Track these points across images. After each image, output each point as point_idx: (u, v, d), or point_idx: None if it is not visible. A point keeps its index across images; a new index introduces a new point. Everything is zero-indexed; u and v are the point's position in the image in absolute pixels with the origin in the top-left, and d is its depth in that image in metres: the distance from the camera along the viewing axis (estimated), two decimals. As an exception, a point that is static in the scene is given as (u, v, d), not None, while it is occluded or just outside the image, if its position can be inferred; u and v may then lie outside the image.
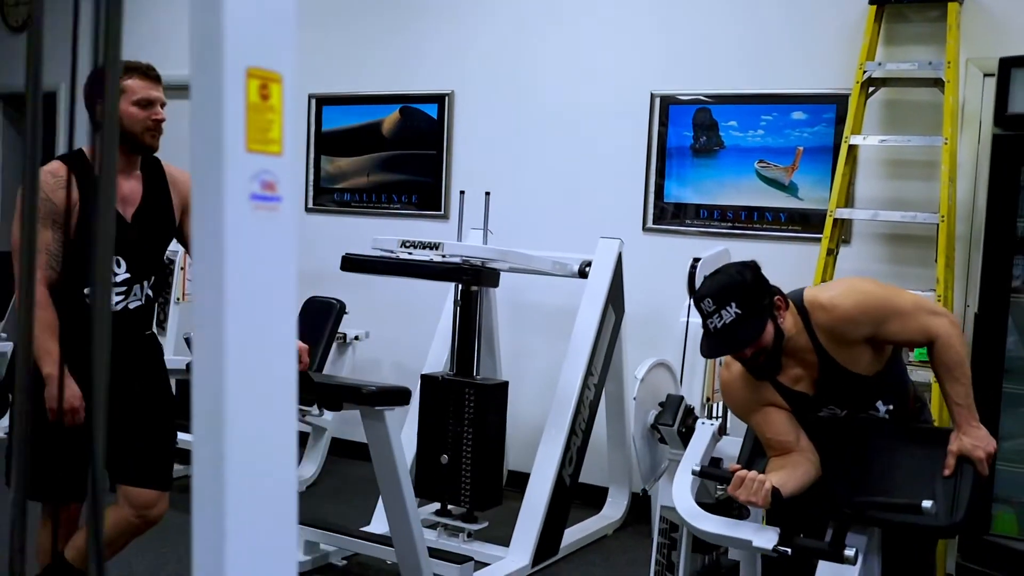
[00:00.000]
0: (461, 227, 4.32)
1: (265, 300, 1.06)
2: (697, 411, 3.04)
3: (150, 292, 3.04)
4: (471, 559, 3.89)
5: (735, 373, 2.74)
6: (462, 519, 4.34)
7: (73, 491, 2.98)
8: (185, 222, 3.10)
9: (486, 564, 4.11)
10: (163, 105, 2.99)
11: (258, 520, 1.04)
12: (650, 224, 5.02)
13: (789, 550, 2.41)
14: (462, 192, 4.55)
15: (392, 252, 3.98)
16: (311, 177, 5.96)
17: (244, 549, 1.02)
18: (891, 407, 2.74)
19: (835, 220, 4.30)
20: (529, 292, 5.24)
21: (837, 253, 4.40)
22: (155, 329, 4.86)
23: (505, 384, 4.26)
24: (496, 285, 4.09)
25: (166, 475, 3.07)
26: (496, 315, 4.91)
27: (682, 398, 3.00)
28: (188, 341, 3.55)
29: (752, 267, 2.60)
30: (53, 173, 2.86)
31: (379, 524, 4.47)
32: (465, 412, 4.15)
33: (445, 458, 4.19)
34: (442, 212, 5.54)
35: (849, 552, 2.38)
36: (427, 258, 3.91)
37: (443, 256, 3.91)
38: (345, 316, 5.21)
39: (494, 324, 4.89)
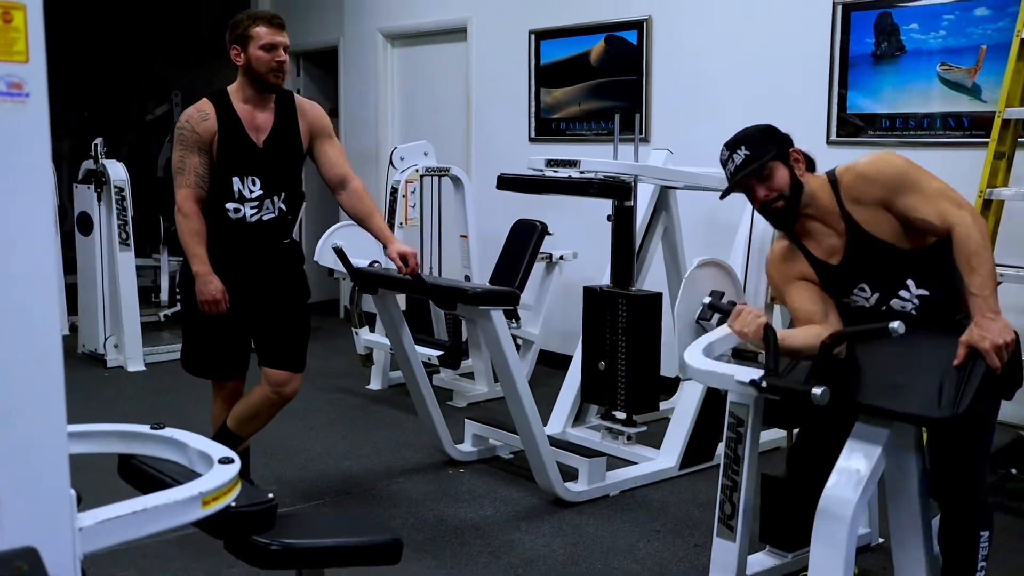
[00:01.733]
0: (637, 147, 4.51)
1: (14, 184, 1.43)
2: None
3: (283, 206, 3.57)
4: (603, 455, 4.17)
5: (776, 249, 2.90)
6: (622, 423, 4.61)
7: (228, 370, 3.65)
8: (314, 146, 3.64)
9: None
10: (286, 49, 3.50)
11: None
12: (834, 137, 4.92)
13: (765, 383, 2.52)
14: (617, 113, 4.73)
15: (542, 171, 4.28)
16: (533, 108, 6.35)
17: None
18: (925, 292, 2.70)
19: (1005, 121, 4.04)
20: (723, 211, 5.31)
21: (1011, 158, 4.12)
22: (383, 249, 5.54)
23: (658, 296, 4.43)
24: (628, 198, 4.27)
25: (298, 359, 3.64)
26: (679, 231, 5.03)
27: (723, 294, 3.09)
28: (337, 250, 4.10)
29: (766, 125, 2.81)
30: (199, 108, 3.50)
31: (555, 425, 4.85)
32: (619, 322, 4.39)
33: (602, 365, 4.47)
34: (643, 135, 5.72)
35: (816, 390, 2.43)
36: (566, 175, 4.17)
37: (581, 173, 4.16)
38: (551, 237, 5.59)
39: (678, 240, 5.02)
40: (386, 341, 5.51)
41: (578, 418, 4.92)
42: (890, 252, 2.69)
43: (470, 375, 5.79)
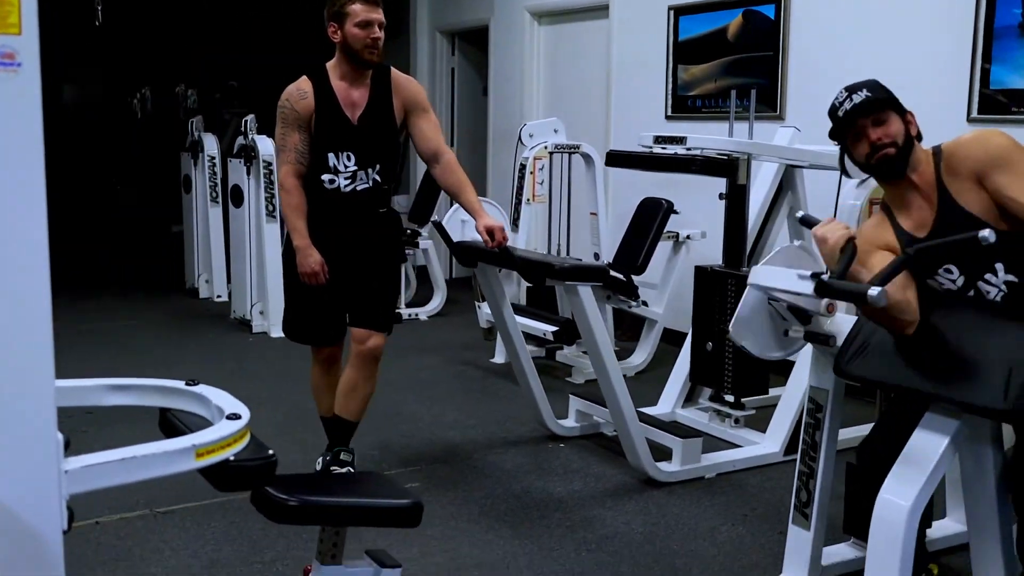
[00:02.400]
0: (752, 124, 4.37)
1: (6, 149, 1.53)
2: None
3: (377, 177, 3.66)
4: (700, 435, 4.09)
5: (870, 220, 2.81)
6: (730, 406, 4.51)
7: (325, 336, 3.78)
8: (409, 120, 3.71)
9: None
10: (381, 26, 3.58)
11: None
12: (975, 114, 4.62)
13: (825, 278, 2.45)
14: (733, 90, 4.59)
15: (650, 148, 4.22)
16: (669, 86, 6.25)
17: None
18: (1014, 279, 2.51)
19: None
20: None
21: None
22: (510, 225, 5.61)
23: (770, 277, 4.29)
24: (732, 175, 4.15)
25: (379, 319, 3.74)
26: (806, 211, 4.85)
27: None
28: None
29: None
30: (298, 87, 3.64)
31: (665, 405, 4.79)
32: (728, 302, 4.28)
33: (709, 345, 4.37)
34: (777, 113, 5.54)
35: (873, 291, 2.31)
36: (672, 152, 4.10)
37: (687, 150, 4.07)
38: (680, 216, 5.50)
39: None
40: (524, 320, 5.58)
41: (690, 399, 4.84)
42: (980, 229, 2.51)
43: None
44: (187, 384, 2.28)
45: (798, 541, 3.12)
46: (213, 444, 1.89)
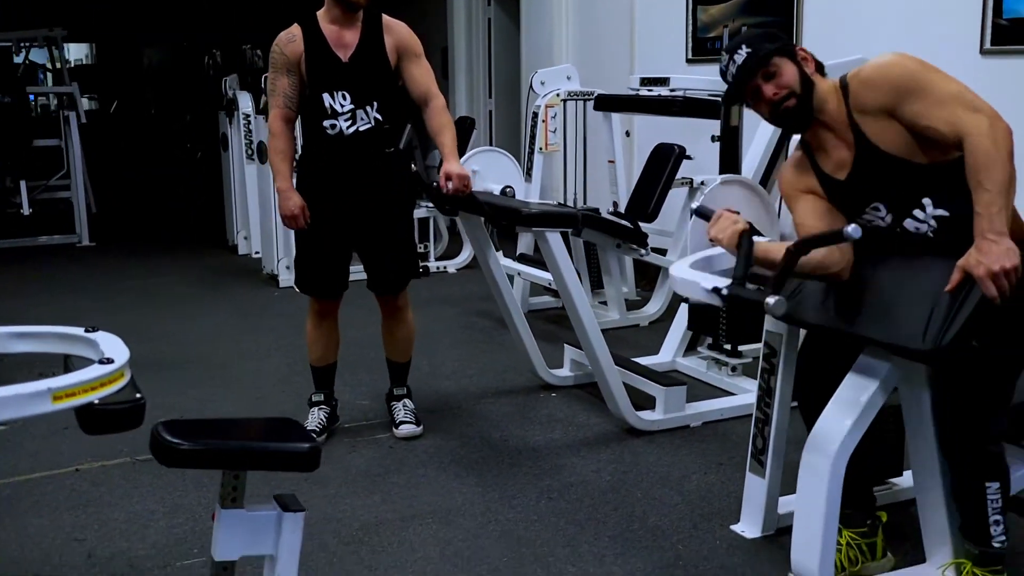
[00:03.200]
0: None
1: None
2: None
3: (378, 116, 3.63)
4: (683, 384, 4.01)
5: (788, 161, 2.68)
6: (728, 353, 4.41)
7: (330, 287, 3.80)
8: (402, 64, 3.69)
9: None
10: None
11: None
12: (988, 45, 4.39)
13: (725, 291, 2.34)
14: (725, 27, 4.43)
15: (637, 90, 4.12)
16: (690, 27, 6.07)
17: None
18: (944, 213, 2.38)
19: None
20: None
21: None
22: (523, 175, 5.57)
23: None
24: (717, 117, 4.02)
25: (397, 283, 3.82)
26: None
27: (738, 214, 2.84)
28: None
29: (765, 29, 2.62)
30: (288, 32, 3.66)
31: (666, 354, 4.72)
32: (721, 247, 4.17)
33: (704, 292, 4.27)
34: (793, 52, 5.34)
35: (770, 300, 2.23)
36: (657, 94, 3.99)
37: (671, 91, 3.96)
38: (694, 162, 5.36)
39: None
40: (520, 267, 5.54)
41: (692, 347, 4.75)
42: (901, 167, 2.39)
43: (606, 303, 5.71)
44: (86, 331, 2.32)
45: (754, 489, 3.05)
46: (72, 387, 1.92)
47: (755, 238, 2.50)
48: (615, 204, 5.80)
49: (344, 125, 3.60)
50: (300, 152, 3.83)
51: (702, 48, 6.01)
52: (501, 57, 8.80)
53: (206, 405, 4.31)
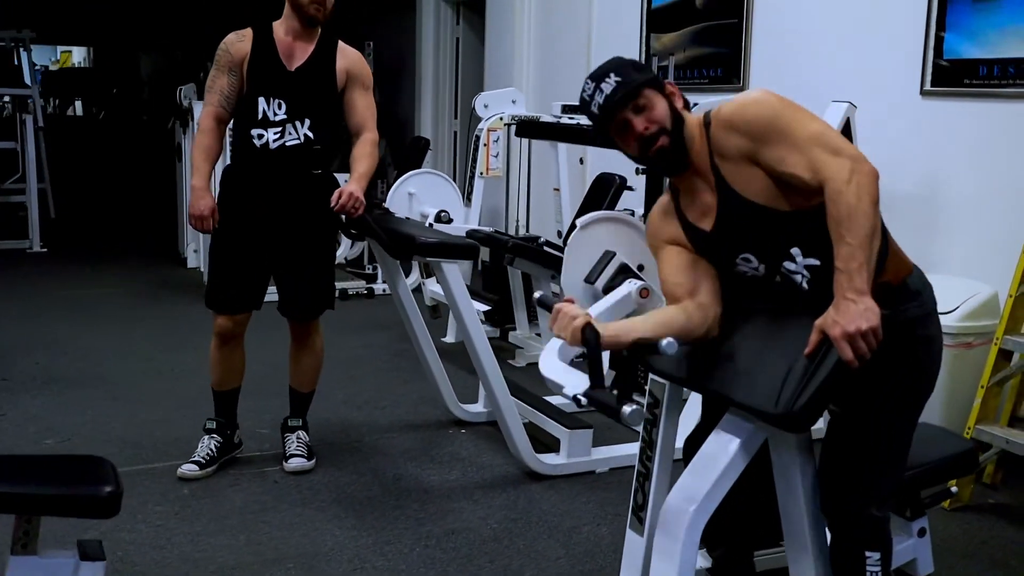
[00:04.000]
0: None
1: None
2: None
3: (309, 133, 3.48)
4: (590, 427, 3.82)
5: (655, 207, 2.43)
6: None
7: (234, 302, 3.60)
8: (347, 90, 3.56)
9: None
10: None
11: None
12: (928, 86, 4.23)
13: (583, 399, 2.15)
14: (655, 56, 4.28)
15: (559, 118, 3.95)
16: (641, 57, 5.92)
17: None
18: (815, 262, 2.19)
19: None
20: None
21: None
22: (461, 197, 5.41)
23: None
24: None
25: (311, 310, 3.67)
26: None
27: (614, 254, 2.66)
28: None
29: (632, 59, 2.33)
30: (239, 32, 3.54)
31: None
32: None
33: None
34: (740, 84, 5.19)
35: (626, 409, 2.05)
36: (575, 122, 3.83)
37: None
38: (632, 192, 5.20)
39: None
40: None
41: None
42: (765, 216, 2.18)
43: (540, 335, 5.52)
44: None
45: (633, 547, 2.85)
46: None
47: (595, 308, 2.28)
48: (559, 233, 5.64)
49: (272, 137, 3.46)
50: (228, 159, 3.69)
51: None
52: (468, 78, 8.66)
53: (98, 428, 4.12)
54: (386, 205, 5.39)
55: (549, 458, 3.73)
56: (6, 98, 10.56)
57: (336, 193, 3.37)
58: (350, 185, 3.41)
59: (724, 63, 5.30)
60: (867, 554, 2.24)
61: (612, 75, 2.25)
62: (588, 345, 2.15)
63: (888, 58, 4.38)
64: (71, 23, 20.00)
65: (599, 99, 2.25)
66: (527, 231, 5.93)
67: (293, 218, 3.53)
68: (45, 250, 8.44)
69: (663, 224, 2.37)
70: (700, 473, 2.28)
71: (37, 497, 2.06)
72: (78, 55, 28.23)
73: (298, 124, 3.47)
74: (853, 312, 1.98)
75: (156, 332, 5.80)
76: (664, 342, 2.06)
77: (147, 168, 13.76)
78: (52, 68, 26.16)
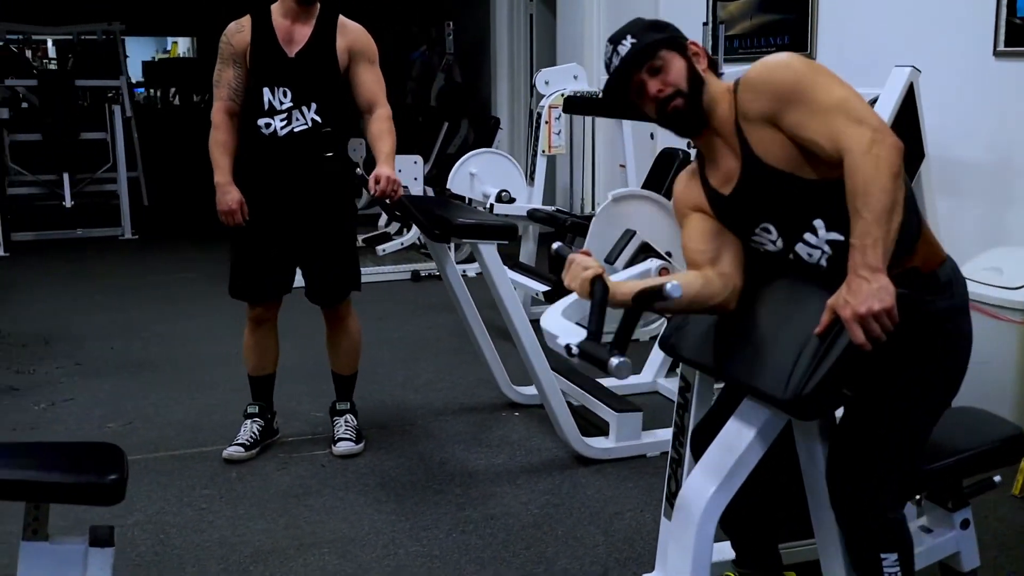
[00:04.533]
0: (720, 63, 3.92)
1: None
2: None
3: (316, 117, 3.46)
4: (639, 410, 3.73)
5: (684, 173, 2.35)
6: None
7: (261, 291, 3.63)
8: (351, 67, 3.52)
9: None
10: None
11: None
12: (1002, 47, 3.99)
13: (577, 350, 2.08)
14: (704, 23, 4.13)
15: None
16: (710, 25, 5.74)
17: None
18: (838, 237, 2.07)
19: None
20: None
21: None
22: (526, 178, 5.36)
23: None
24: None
25: (336, 294, 3.64)
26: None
27: (634, 233, 2.56)
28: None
29: (656, 19, 2.24)
30: (237, 22, 3.54)
31: (647, 374, 4.44)
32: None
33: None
34: (808, 52, 4.99)
35: (613, 361, 1.97)
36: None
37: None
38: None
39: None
40: (515, 276, 5.31)
41: (674, 368, 4.46)
42: (787, 183, 2.08)
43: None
44: None
45: (667, 535, 2.78)
46: None
47: (617, 277, 2.20)
48: (626, 210, 5.52)
49: (279, 125, 3.44)
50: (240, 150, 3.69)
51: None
52: (543, 55, 8.55)
53: (160, 411, 4.21)
54: (449, 186, 5.39)
55: (598, 442, 3.66)
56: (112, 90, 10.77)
57: (372, 178, 3.34)
58: (383, 168, 3.37)
59: (790, 30, 5.11)
60: (883, 556, 2.12)
61: (628, 37, 2.18)
62: (594, 297, 2.09)
63: (958, 18, 4.15)
64: (174, 15, 20.53)
65: (615, 61, 2.19)
66: (593, 209, 5.83)
67: (309, 203, 3.51)
68: (136, 237, 8.67)
69: (687, 190, 2.29)
70: (717, 461, 2.19)
71: (42, 484, 2.08)
72: (184, 46, 29.00)
73: (304, 109, 3.45)
74: (866, 291, 1.87)
75: (232, 318, 5.86)
76: (669, 285, 1.96)
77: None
78: (157, 59, 26.93)
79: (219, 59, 3.53)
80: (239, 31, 3.49)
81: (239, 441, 3.65)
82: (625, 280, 2.28)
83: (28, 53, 11.18)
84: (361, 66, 3.51)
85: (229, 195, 3.45)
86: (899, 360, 2.00)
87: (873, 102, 3.84)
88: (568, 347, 2.11)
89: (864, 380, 2.00)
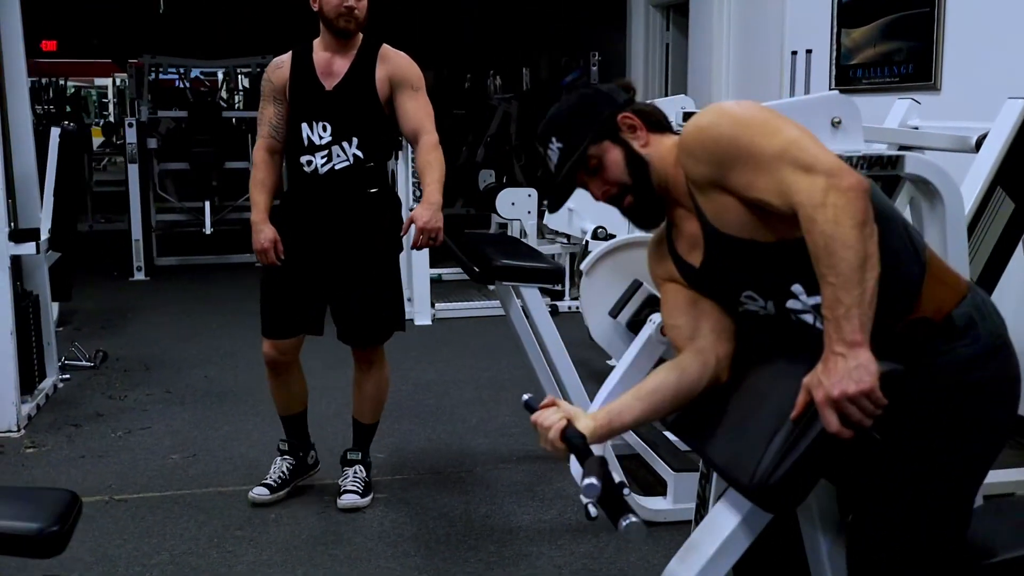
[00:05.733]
0: (792, 89, 3.60)
1: None
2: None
3: (358, 153, 3.36)
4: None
5: (652, 240, 2.07)
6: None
7: (285, 327, 3.52)
8: (394, 96, 3.39)
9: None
10: None
11: None
12: None
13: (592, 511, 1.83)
14: (794, 52, 3.79)
15: (681, 125, 3.60)
16: (833, 54, 5.37)
17: None
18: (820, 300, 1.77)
19: None
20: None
21: None
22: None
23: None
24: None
25: (372, 335, 3.51)
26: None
27: (640, 284, 2.28)
28: None
29: (577, 97, 1.96)
30: (279, 58, 3.49)
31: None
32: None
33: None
34: (932, 82, 4.56)
35: (622, 523, 1.75)
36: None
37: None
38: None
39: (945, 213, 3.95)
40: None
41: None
42: (749, 251, 1.79)
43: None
44: None
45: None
46: None
47: (588, 419, 1.93)
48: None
49: (319, 162, 3.35)
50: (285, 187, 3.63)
51: (845, 77, 5.29)
52: (678, 85, 8.28)
53: (226, 444, 4.18)
54: (545, 222, 5.21)
55: (653, 502, 3.39)
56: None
57: (407, 221, 3.21)
58: (423, 212, 3.20)
59: (915, 59, 4.69)
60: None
61: (554, 139, 1.95)
62: (575, 451, 1.85)
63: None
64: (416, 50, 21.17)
65: (551, 169, 1.97)
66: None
67: (349, 241, 3.39)
68: (272, 264, 8.85)
69: (656, 258, 2.03)
70: (698, 545, 1.90)
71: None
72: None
73: (345, 145, 3.34)
74: (841, 371, 1.58)
75: (329, 354, 5.84)
76: (584, 485, 1.74)
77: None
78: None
79: (262, 96, 3.48)
80: (278, 67, 3.43)
81: (266, 481, 3.55)
82: (637, 376, 2.00)
83: (186, 85, 11.65)
84: (404, 94, 3.38)
85: (262, 233, 3.37)
86: (910, 432, 1.69)
87: (983, 138, 3.43)
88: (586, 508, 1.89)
89: (869, 462, 1.70)
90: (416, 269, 6.39)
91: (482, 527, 3.36)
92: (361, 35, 3.41)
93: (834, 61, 5.35)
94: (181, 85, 11.77)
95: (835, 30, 5.35)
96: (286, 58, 3.44)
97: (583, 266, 2.42)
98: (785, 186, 1.65)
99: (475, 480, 3.78)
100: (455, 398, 4.80)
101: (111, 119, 20.09)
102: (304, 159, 3.37)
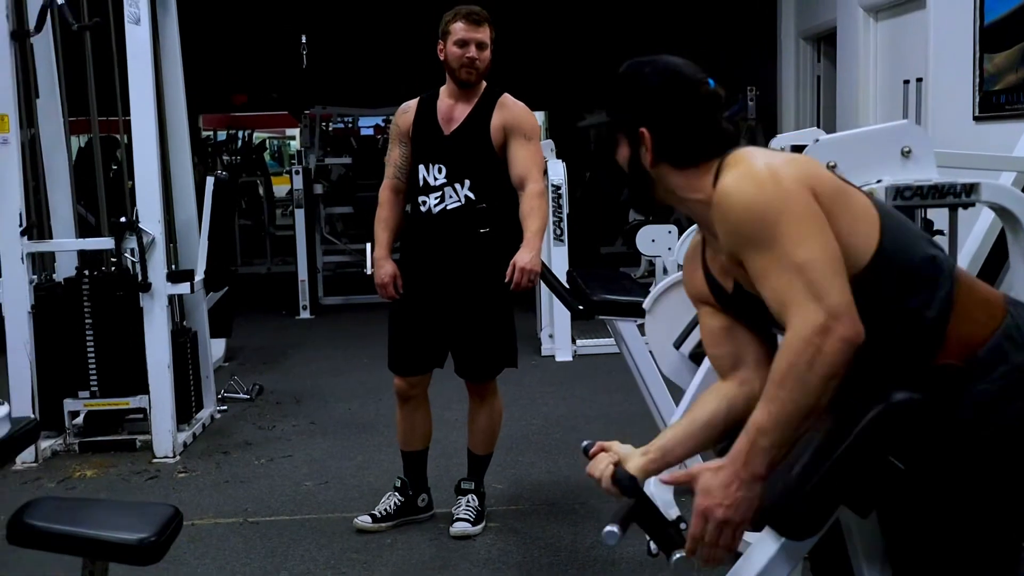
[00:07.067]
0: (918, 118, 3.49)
1: None
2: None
3: (470, 194, 3.53)
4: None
5: (689, 247, 2.06)
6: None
7: (409, 365, 3.70)
8: (507, 143, 3.55)
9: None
10: (481, 46, 3.51)
11: None
12: None
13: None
14: (906, 81, 3.69)
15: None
16: (976, 80, 5.18)
17: None
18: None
19: None
20: None
21: None
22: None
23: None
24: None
25: (485, 371, 3.67)
26: None
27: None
28: None
29: (632, 68, 1.89)
30: (405, 104, 3.72)
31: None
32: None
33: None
34: (1075, 105, 4.35)
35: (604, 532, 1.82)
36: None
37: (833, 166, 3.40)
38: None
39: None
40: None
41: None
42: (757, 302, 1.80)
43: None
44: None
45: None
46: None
47: (640, 457, 2.00)
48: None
49: (432, 203, 3.54)
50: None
51: (988, 104, 5.09)
52: (830, 116, 8.11)
53: (357, 474, 4.39)
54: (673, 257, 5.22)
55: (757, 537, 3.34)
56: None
57: (511, 265, 3.34)
58: (523, 255, 3.37)
59: (1057, 81, 4.48)
60: None
61: (608, 106, 1.99)
62: (627, 493, 1.92)
63: None
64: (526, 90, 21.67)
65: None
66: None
67: (462, 280, 3.54)
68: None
69: (691, 275, 2.03)
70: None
71: (81, 540, 2.22)
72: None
73: (458, 186, 3.51)
74: (735, 496, 1.71)
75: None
76: (604, 532, 1.83)
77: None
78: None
79: (390, 139, 3.73)
80: (405, 112, 3.65)
81: (373, 511, 3.72)
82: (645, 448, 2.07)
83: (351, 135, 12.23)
84: (516, 142, 3.53)
85: (383, 269, 3.59)
86: (934, 492, 1.68)
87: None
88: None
89: (907, 493, 1.70)
90: (557, 305, 6.48)
91: (586, 558, 3.41)
92: (484, 83, 3.59)
93: (977, 87, 5.16)
94: (350, 134, 12.34)
95: (977, 55, 5.17)
96: (413, 103, 3.66)
97: (645, 304, 2.46)
98: (788, 299, 1.64)
99: (587, 512, 3.83)
100: (583, 432, 4.82)
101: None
102: (420, 199, 3.56)
